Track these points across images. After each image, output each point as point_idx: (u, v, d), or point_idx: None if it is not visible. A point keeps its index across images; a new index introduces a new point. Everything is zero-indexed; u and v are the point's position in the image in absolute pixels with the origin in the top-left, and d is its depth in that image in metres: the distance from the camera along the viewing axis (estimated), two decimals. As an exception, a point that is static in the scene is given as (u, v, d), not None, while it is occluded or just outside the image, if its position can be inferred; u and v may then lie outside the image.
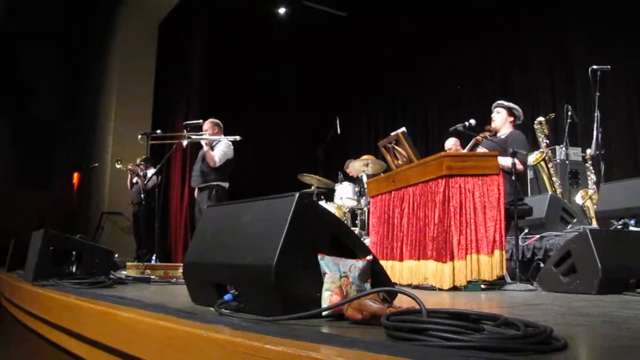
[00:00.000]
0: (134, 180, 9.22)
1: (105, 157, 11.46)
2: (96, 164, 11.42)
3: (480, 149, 5.11)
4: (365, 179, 7.41)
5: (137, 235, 9.41)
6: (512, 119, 5.21)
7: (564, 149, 7.16)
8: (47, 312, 2.97)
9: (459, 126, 4.96)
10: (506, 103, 5.32)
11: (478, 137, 5.20)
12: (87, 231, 11.00)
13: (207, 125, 6.69)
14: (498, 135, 5.31)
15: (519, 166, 4.68)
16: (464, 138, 6.23)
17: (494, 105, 5.41)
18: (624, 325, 1.95)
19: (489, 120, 5.47)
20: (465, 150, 5.63)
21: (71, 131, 13.49)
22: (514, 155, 4.54)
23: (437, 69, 11.48)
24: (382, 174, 6.42)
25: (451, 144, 7.10)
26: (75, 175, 13.22)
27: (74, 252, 4.11)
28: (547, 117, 7.49)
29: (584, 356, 1.42)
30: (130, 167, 9.19)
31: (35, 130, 13.02)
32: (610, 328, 1.87)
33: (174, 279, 4.77)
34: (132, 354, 1.94)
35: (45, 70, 13.25)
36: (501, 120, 5.26)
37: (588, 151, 6.69)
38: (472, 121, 4.94)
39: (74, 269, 4.07)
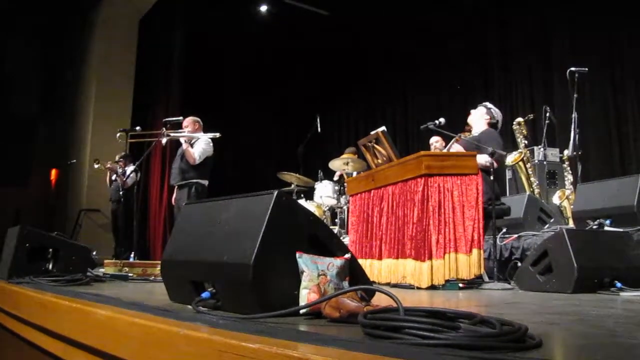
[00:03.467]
0: (113, 177, 9.15)
1: (84, 153, 11.33)
2: (74, 160, 11.28)
3: (457, 147, 5.14)
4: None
5: (115, 232, 9.34)
6: (488, 117, 5.22)
7: (542, 149, 7.24)
8: (23, 310, 2.94)
9: (430, 124, 4.99)
10: (489, 105, 5.35)
11: (458, 137, 5.22)
12: (65, 228, 10.85)
13: (187, 122, 6.65)
14: (472, 132, 5.34)
15: (495, 164, 4.73)
16: (446, 135, 6.27)
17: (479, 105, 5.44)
18: (598, 323, 1.98)
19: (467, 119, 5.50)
20: (445, 150, 5.66)
21: (49, 127, 13.31)
22: (492, 155, 4.58)
23: (418, 68, 11.54)
24: (362, 173, 6.44)
25: (435, 139, 7.17)
26: (53, 171, 13.06)
27: (50, 250, 4.06)
28: (526, 118, 7.56)
29: (557, 354, 1.44)
30: (109, 165, 9.11)
31: (12, 125, 12.82)
32: (584, 326, 1.90)
33: (152, 277, 4.74)
34: (109, 352, 1.93)
35: (23, 65, 13.07)
36: (477, 115, 5.27)
37: (565, 152, 6.76)
38: (442, 120, 4.97)
39: (50, 266, 4.02)
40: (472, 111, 5.35)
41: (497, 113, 5.28)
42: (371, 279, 3.18)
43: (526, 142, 7.41)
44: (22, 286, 3.28)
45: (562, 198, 6.73)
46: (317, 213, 7.39)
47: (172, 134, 6.50)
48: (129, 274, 4.75)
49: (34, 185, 13.23)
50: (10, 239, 4.10)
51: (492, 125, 5.22)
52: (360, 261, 3.81)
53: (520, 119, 7.50)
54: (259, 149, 13.38)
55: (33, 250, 3.95)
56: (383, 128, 4.94)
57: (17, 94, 13.12)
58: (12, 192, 12.31)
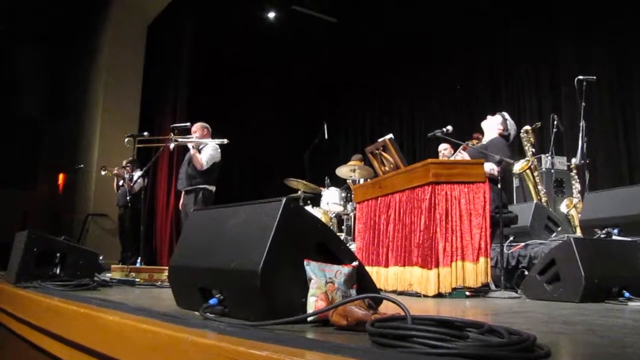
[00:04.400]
0: (120, 182, 9.18)
1: (92, 158, 11.37)
2: (82, 165, 11.32)
3: (463, 155, 5.14)
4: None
5: (122, 237, 9.35)
6: (501, 127, 5.23)
7: (549, 157, 7.22)
8: (30, 314, 2.94)
9: (438, 132, 5.00)
10: (507, 115, 5.35)
11: (465, 145, 5.23)
12: (72, 233, 10.89)
13: (195, 127, 6.67)
14: (484, 138, 5.34)
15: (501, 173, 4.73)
16: (453, 143, 6.27)
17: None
18: (606, 333, 1.97)
19: (475, 128, 5.50)
20: (452, 158, 5.66)
21: (57, 131, 13.37)
22: (499, 163, 4.58)
23: (425, 75, 11.54)
24: (369, 180, 6.44)
25: (444, 147, 7.17)
26: (61, 176, 13.10)
27: (58, 254, 4.07)
28: (534, 126, 7.55)
29: (566, 364, 1.43)
30: (115, 171, 9.14)
31: (20, 129, 12.89)
32: (592, 336, 1.89)
33: (159, 282, 4.75)
34: (115, 357, 1.93)
35: (31, 69, 13.14)
36: (492, 123, 5.28)
37: (573, 160, 6.74)
38: (449, 127, 4.98)
39: (57, 270, 4.02)
40: (489, 117, 5.35)
41: (512, 126, 5.29)
42: (378, 287, 3.17)
43: (534, 150, 7.40)
44: (30, 290, 3.29)
45: (569, 206, 6.70)
46: (323, 220, 7.40)
47: (179, 140, 6.52)
48: (136, 279, 4.77)
49: (41, 189, 13.28)
50: (18, 243, 4.11)
51: (504, 136, 5.22)
52: (367, 268, 3.79)
53: (527, 127, 7.49)
54: (266, 155, 13.41)
55: (41, 254, 3.96)
56: (390, 135, 4.94)
57: (25, 97, 13.20)
58: (19, 196, 12.36)
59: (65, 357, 2.42)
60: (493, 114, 5.42)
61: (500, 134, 5.21)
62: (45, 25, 12.73)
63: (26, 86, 13.20)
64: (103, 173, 9.30)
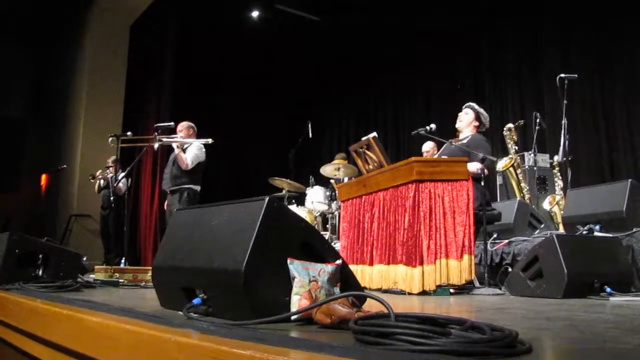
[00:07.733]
0: (102, 183, 9.12)
1: (75, 158, 11.28)
2: (65, 166, 11.22)
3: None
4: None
5: (105, 238, 9.29)
6: (477, 123, 5.23)
7: (532, 155, 7.26)
8: (12, 316, 2.92)
9: (421, 130, 5.02)
10: (476, 106, 5.35)
11: (449, 144, 5.25)
12: (55, 234, 10.81)
13: (181, 127, 6.66)
14: (460, 137, 5.35)
15: (485, 171, 4.76)
16: (437, 141, 6.29)
17: (464, 105, 5.43)
18: (588, 328, 1.99)
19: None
20: (436, 156, 5.67)
21: (39, 131, 13.26)
22: (483, 161, 4.60)
23: (409, 74, 11.57)
24: (353, 179, 6.44)
25: (429, 146, 7.16)
26: (43, 176, 12.98)
27: (40, 255, 4.04)
28: (516, 123, 7.59)
29: (548, 359, 1.44)
30: (99, 175, 9.09)
31: (2, 131, 12.77)
32: (574, 331, 1.91)
33: (143, 283, 4.72)
34: (98, 359, 1.92)
35: (13, 70, 13.01)
36: (467, 121, 5.27)
37: (555, 158, 6.79)
38: (433, 125, 5.00)
39: (40, 272, 3.99)
40: (461, 116, 5.33)
41: (485, 118, 5.30)
42: (362, 285, 3.18)
43: (516, 147, 7.44)
44: (12, 292, 3.25)
45: (552, 203, 6.75)
46: (308, 219, 7.40)
47: (164, 139, 6.49)
48: (120, 280, 4.75)
49: (24, 191, 13.15)
50: (0, 245, 4.07)
51: (481, 132, 5.24)
52: (352, 267, 3.80)
53: (510, 125, 7.53)
54: (251, 154, 13.39)
55: (23, 256, 3.93)
56: (374, 134, 4.95)
57: (7, 98, 13.06)
58: (1, 198, 12.24)
59: (48, 359, 2.40)
60: (460, 109, 5.42)
61: (477, 130, 5.23)
62: (27, 25, 12.61)
63: (8, 87, 13.06)
64: (92, 181, 9.28)
